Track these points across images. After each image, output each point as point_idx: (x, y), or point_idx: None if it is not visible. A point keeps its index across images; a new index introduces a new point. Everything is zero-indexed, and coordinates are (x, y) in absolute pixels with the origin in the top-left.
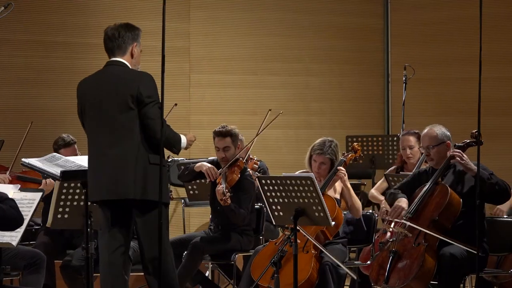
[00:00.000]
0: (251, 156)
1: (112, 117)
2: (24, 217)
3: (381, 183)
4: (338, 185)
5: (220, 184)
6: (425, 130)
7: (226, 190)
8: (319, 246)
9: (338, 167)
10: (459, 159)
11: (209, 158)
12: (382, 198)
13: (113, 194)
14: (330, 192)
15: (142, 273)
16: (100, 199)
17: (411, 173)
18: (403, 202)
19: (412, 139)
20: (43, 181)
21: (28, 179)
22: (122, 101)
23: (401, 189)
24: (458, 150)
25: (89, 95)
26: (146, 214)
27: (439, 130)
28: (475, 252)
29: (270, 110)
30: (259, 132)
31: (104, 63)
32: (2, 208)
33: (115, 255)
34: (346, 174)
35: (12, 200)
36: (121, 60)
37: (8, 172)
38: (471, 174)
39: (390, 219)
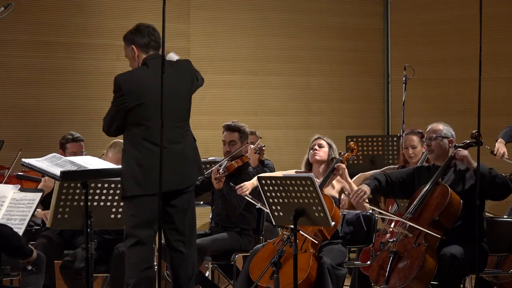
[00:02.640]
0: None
1: (177, 109)
2: (24, 217)
3: (355, 179)
4: (336, 183)
5: (219, 168)
6: (431, 124)
7: (222, 171)
8: (314, 240)
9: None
10: (461, 149)
11: (210, 159)
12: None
13: (179, 184)
14: (328, 190)
15: None
16: (172, 188)
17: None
18: (365, 186)
19: (415, 139)
20: (43, 178)
21: (28, 177)
22: (186, 93)
23: (390, 175)
24: (460, 149)
25: (151, 87)
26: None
27: (445, 126)
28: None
29: (260, 137)
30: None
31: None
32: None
33: (151, 251)
34: (346, 168)
35: None
36: None
37: (5, 178)
38: (472, 169)
39: (351, 200)
